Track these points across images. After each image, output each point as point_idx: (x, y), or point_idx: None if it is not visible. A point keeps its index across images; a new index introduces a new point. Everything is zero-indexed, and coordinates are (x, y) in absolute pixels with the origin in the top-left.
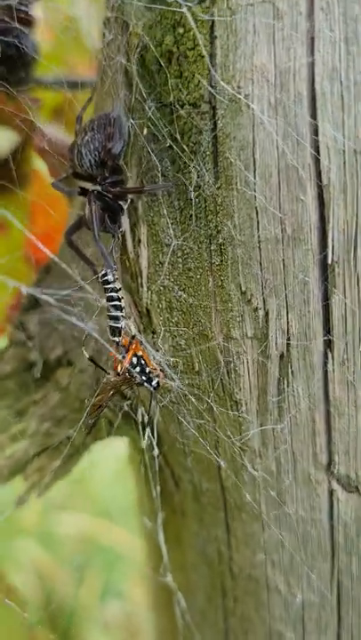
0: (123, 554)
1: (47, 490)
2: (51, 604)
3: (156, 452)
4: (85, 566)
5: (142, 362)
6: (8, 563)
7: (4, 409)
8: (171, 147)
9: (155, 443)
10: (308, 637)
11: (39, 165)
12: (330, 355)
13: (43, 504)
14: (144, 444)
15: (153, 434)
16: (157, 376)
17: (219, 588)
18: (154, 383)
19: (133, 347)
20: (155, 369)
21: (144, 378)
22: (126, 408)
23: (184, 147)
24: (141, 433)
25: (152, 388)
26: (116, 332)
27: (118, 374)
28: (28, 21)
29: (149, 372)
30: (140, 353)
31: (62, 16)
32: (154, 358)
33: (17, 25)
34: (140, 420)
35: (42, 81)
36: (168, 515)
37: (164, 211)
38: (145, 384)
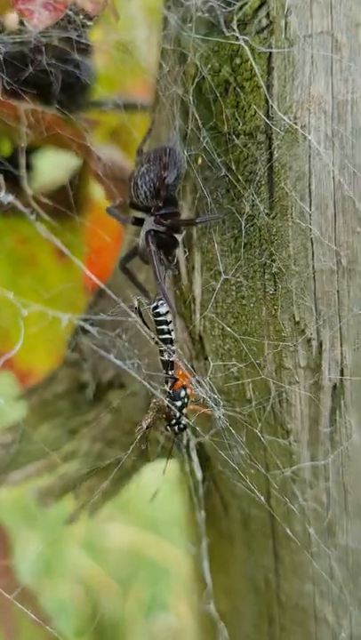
0: (169, 568)
1: (97, 510)
2: (97, 615)
3: (199, 477)
4: (131, 579)
5: (185, 400)
6: (55, 574)
7: (57, 428)
8: (225, 176)
9: (197, 468)
10: None
11: (95, 192)
12: None
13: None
14: (187, 468)
15: (187, 463)
16: (185, 420)
17: (265, 615)
18: (182, 424)
19: (181, 378)
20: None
21: (177, 415)
22: (168, 432)
23: (239, 176)
24: (186, 457)
25: (174, 432)
26: (165, 365)
27: (168, 393)
28: (86, 50)
29: (182, 414)
30: (188, 390)
31: (118, 41)
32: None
33: (76, 55)
34: (183, 443)
35: (98, 104)
36: (215, 540)
37: (218, 239)
38: (172, 421)
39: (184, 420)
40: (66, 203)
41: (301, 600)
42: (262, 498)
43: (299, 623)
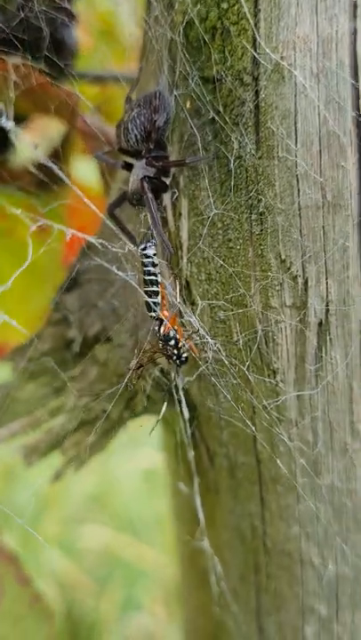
0: (145, 569)
1: (83, 465)
2: (72, 615)
3: (186, 415)
4: (107, 580)
5: (177, 336)
6: (31, 573)
7: (43, 386)
8: (213, 119)
9: (184, 408)
10: (342, 612)
11: (76, 172)
12: None
13: (66, 516)
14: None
15: (180, 403)
16: (186, 352)
17: (252, 564)
18: (183, 357)
19: (172, 318)
20: (187, 344)
21: (175, 352)
22: (157, 373)
23: (226, 118)
24: (176, 401)
25: (178, 364)
26: (151, 306)
27: (159, 336)
28: (71, 15)
29: (180, 348)
30: (175, 327)
31: (99, 13)
32: (193, 329)
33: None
34: (172, 385)
35: (83, 74)
36: (202, 492)
37: (206, 183)
38: (173, 357)
39: (184, 354)
40: (51, 177)
41: (288, 544)
42: (256, 432)
43: (285, 568)
